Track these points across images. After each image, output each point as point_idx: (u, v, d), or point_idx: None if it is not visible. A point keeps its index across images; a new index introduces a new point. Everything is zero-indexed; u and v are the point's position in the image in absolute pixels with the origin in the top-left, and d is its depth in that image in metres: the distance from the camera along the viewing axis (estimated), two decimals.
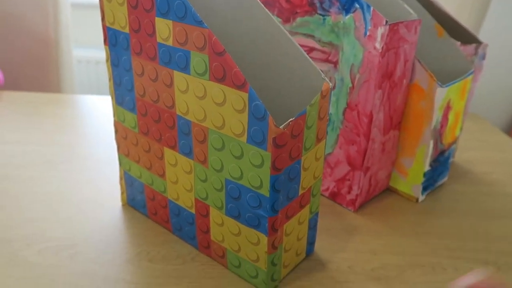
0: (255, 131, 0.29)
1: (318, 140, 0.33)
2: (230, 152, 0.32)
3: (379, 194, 0.51)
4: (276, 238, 0.33)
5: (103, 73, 1.55)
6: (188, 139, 0.35)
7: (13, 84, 1.10)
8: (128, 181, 0.44)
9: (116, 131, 0.42)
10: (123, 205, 0.46)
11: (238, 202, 0.33)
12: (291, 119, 0.29)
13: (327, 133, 0.36)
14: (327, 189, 0.48)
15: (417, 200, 0.49)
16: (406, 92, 0.45)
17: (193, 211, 0.38)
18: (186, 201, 0.38)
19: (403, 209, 0.48)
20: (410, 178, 0.48)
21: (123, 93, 0.39)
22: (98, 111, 0.73)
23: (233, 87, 0.29)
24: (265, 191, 0.31)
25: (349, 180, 0.46)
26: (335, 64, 0.43)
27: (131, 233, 0.41)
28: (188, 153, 0.35)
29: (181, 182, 0.37)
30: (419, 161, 0.47)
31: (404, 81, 0.44)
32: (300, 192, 0.34)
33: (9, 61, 1.09)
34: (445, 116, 0.46)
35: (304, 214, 0.36)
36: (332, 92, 0.44)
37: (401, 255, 0.40)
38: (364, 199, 0.47)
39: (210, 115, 0.32)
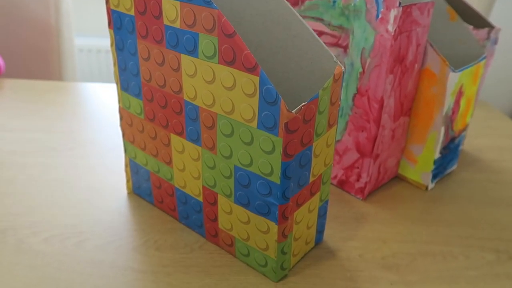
0: (266, 116, 0.28)
1: (330, 125, 0.32)
2: (239, 138, 0.31)
3: (388, 182, 0.50)
4: (286, 226, 0.33)
5: (104, 61, 1.53)
6: (195, 125, 0.34)
7: (15, 72, 1.09)
8: (133, 168, 0.43)
9: (121, 118, 0.41)
10: (128, 193, 0.45)
11: (247, 189, 0.32)
12: (303, 104, 0.28)
13: None
14: (335, 177, 0.48)
15: (426, 188, 0.48)
16: (417, 78, 0.44)
17: (200, 199, 0.37)
18: (194, 189, 0.37)
19: (412, 197, 0.47)
20: (420, 166, 0.48)
21: (128, 78, 0.38)
22: (100, 99, 0.72)
23: (243, 70, 0.28)
24: (276, 178, 0.30)
25: (358, 167, 0.45)
26: (345, 48, 0.42)
27: (138, 221, 0.41)
28: (196, 140, 0.34)
29: (188, 169, 0.37)
30: (429, 148, 0.46)
31: (416, 65, 0.42)
32: (311, 179, 0.33)
33: (10, 49, 1.07)
34: (457, 102, 0.45)
35: (314, 202, 0.35)
36: None
37: (411, 243, 0.40)
38: (373, 187, 0.46)
39: (219, 100, 0.31)
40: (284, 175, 0.30)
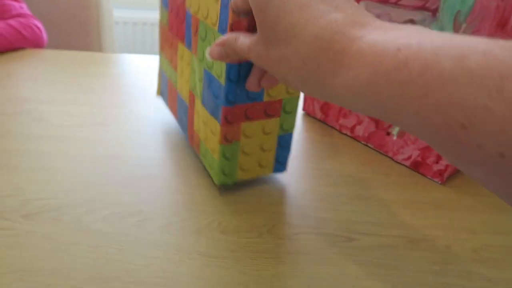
0: (223, 19, 0.30)
1: None
2: (209, 42, 0.33)
3: None
4: (229, 130, 0.34)
5: (140, 34, 1.51)
6: (189, 32, 0.37)
7: (56, 43, 1.08)
8: (163, 76, 0.49)
9: (159, 31, 0.48)
10: (157, 95, 0.54)
11: (208, 91, 0.35)
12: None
13: None
14: (409, 157, 0.43)
15: None
16: None
17: (187, 102, 0.41)
18: (185, 93, 0.41)
19: None
20: None
21: None
22: (141, 70, 0.69)
23: None
24: (223, 80, 0.32)
25: None
26: (434, 12, 0.36)
27: (199, 201, 0.38)
28: (189, 46, 0.38)
29: (184, 74, 0.40)
30: None
31: None
32: (265, 98, 0.34)
33: (52, 21, 1.06)
34: None
35: (272, 125, 0.36)
36: None
37: (504, 234, 0.35)
38: (454, 170, 0.42)
39: (201, 6, 0.34)
40: (228, 77, 0.32)
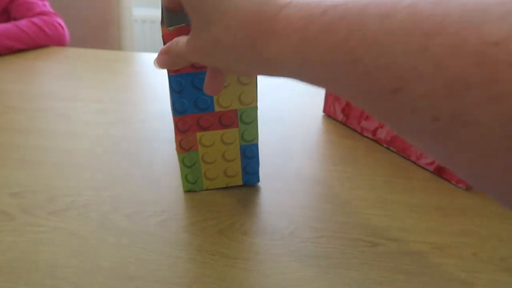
0: None
1: None
2: None
3: None
4: (183, 139, 0.35)
5: (158, 32, 1.52)
6: None
7: (76, 41, 1.09)
8: None
9: None
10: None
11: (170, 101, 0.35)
12: (183, 24, 0.29)
13: None
14: (433, 162, 0.42)
15: None
16: None
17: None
18: None
19: None
20: None
21: None
22: (160, 69, 0.70)
23: None
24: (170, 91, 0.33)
25: None
26: None
27: (220, 202, 0.38)
28: None
29: None
30: None
31: None
32: (217, 108, 0.34)
33: (72, 19, 1.07)
34: None
35: (231, 136, 0.36)
36: None
37: None
38: None
39: None
40: (172, 88, 0.33)
